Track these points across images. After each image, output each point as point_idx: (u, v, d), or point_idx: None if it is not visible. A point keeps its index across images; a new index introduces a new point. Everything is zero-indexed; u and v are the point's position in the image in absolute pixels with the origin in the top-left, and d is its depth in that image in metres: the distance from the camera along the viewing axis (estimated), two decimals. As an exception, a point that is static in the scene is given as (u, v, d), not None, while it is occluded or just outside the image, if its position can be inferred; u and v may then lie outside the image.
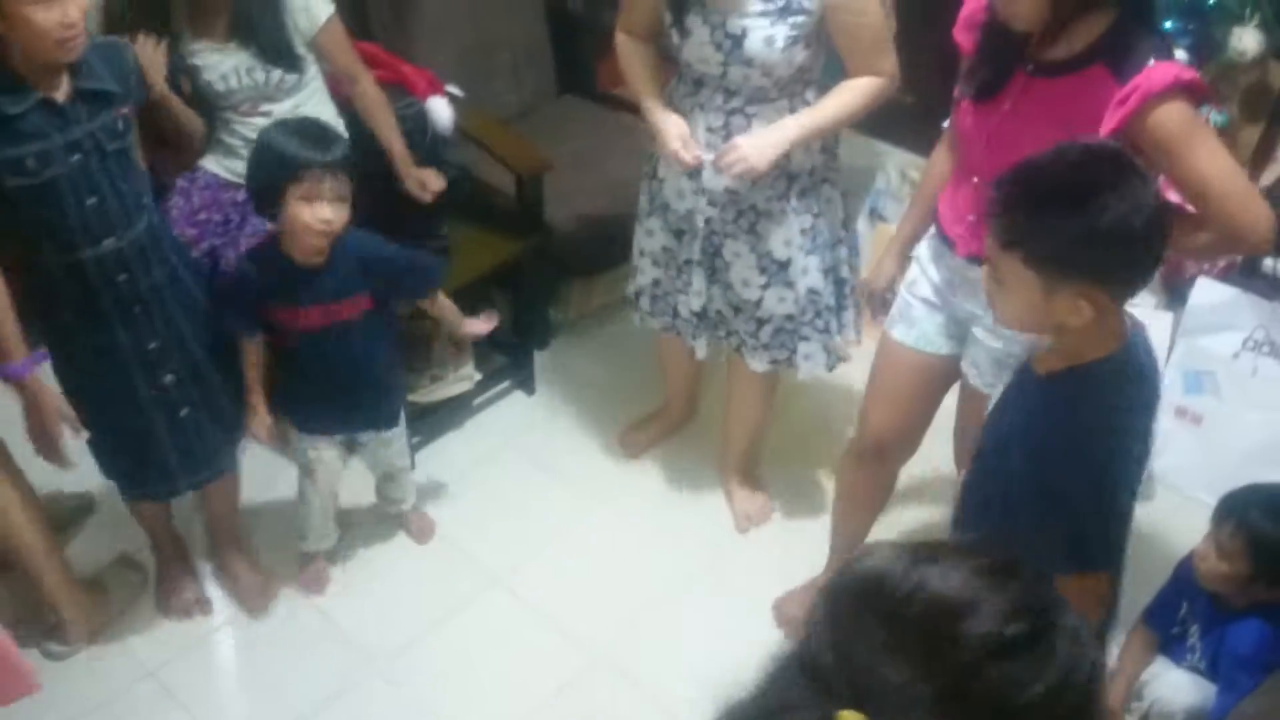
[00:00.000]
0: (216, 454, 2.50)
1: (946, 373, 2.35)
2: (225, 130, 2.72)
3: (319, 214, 2.26)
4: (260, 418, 2.48)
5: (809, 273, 2.58)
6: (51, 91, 2.05)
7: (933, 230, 2.28)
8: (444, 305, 2.59)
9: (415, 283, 2.53)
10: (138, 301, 2.24)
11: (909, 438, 2.46)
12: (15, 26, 1.97)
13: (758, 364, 2.71)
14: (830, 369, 2.72)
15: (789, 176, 2.49)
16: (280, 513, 2.85)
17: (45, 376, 2.25)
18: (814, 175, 2.52)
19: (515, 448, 3.13)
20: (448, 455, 3.08)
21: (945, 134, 2.28)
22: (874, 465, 2.50)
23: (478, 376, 3.19)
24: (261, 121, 2.65)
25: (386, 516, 2.90)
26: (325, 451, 2.62)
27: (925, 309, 2.31)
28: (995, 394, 2.19)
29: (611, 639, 2.67)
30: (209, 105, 2.68)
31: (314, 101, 2.74)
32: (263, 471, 2.92)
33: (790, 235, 2.54)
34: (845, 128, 2.50)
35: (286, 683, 2.58)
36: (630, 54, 2.53)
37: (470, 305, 2.90)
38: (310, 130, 2.32)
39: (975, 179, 2.10)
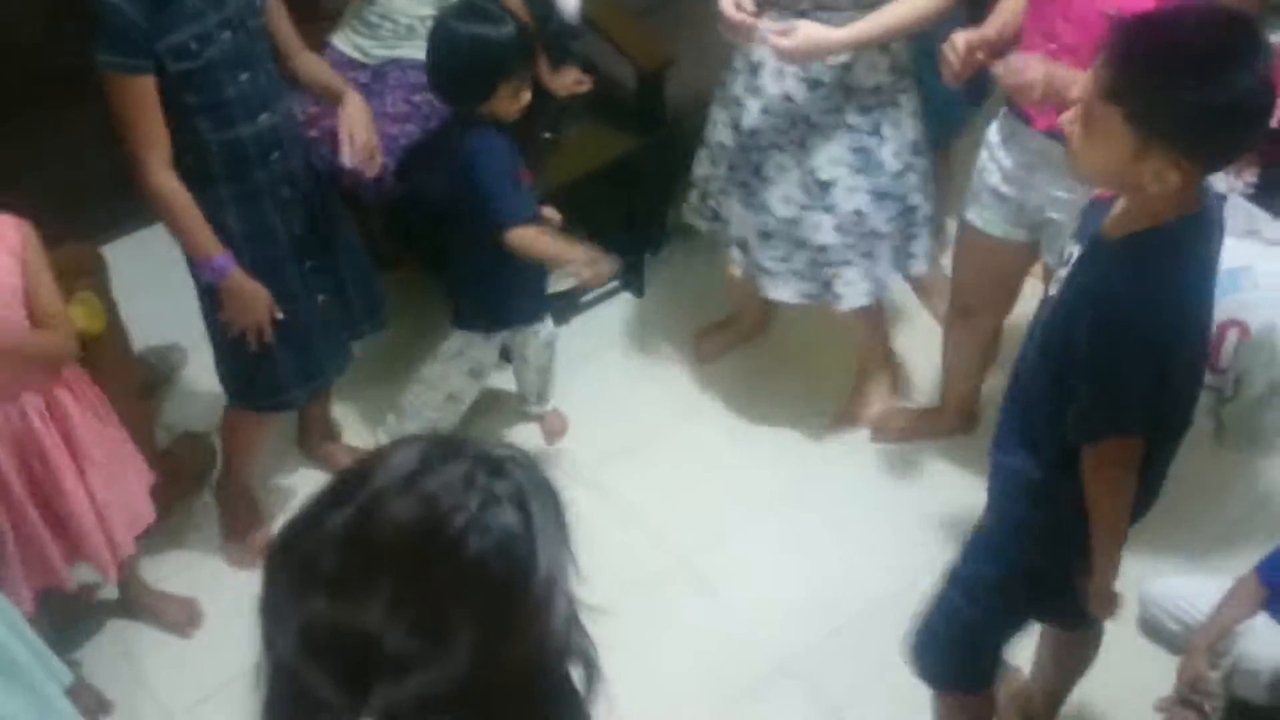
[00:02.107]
0: (343, 346, 2.51)
1: (1022, 256, 2.38)
2: (366, 5, 2.69)
3: (522, 101, 2.36)
4: (589, 257, 2.44)
5: (855, 193, 2.46)
6: None
7: (1003, 109, 2.24)
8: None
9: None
10: (287, 182, 2.25)
11: (994, 305, 2.55)
12: None
13: (783, 293, 2.61)
14: (871, 299, 2.61)
15: (846, 89, 2.38)
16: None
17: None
18: (879, 93, 2.39)
19: (619, 348, 3.11)
20: (551, 350, 3.09)
21: None
22: (965, 323, 2.61)
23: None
24: (404, 3, 2.65)
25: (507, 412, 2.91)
26: (492, 353, 2.66)
27: (993, 197, 2.30)
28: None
29: (696, 545, 2.67)
30: None
31: None
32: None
33: (838, 153, 2.43)
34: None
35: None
36: None
37: (582, 202, 2.88)
38: (497, 15, 2.34)
39: (1053, 45, 2.04)
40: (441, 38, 2.35)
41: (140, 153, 2.07)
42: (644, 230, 3.27)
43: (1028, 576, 1.86)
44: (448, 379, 2.68)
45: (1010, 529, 1.86)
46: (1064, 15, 2.05)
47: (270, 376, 2.37)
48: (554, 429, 2.89)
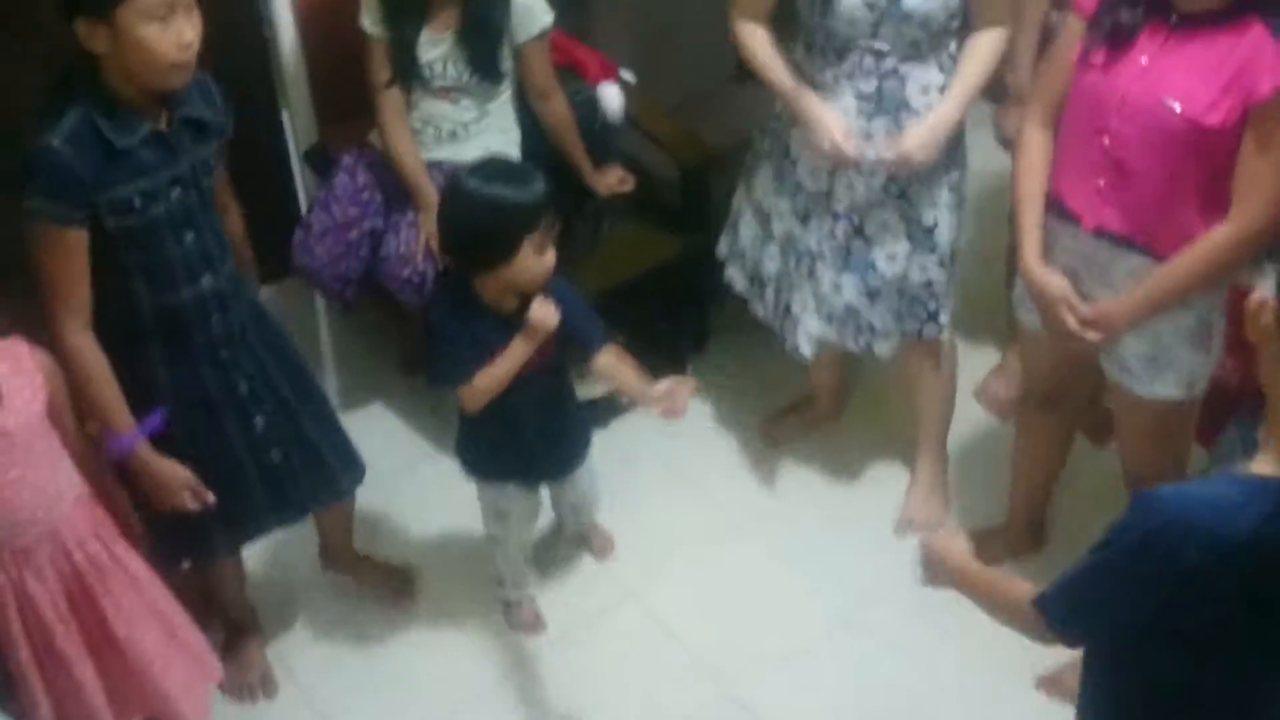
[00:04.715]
0: (312, 493, 2.35)
1: (1085, 349, 2.22)
2: (409, 109, 2.62)
3: (547, 261, 2.12)
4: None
5: (953, 228, 2.46)
6: (156, 122, 1.91)
7: (1050, 214, 2.14)
8: (609, 363, 2.27)
9: (587, 332, 2.27)
10: (226, 344, 2.11)
11: (1070, 393, 2.43)
12: (127, 48, 1.80)
13: (890, 344, 2.55)
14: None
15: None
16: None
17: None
18: (958, 128, 2.38)
19: (659, 456, 2.98)
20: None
21: (1031, 110, 2.15)
22: (1046, 418, 2.48)
23: (628, 376, 3.07)
24: (448, 109, 2.59)
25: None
26: (516, 498, 2.45)
27: None
28: (1149, 393, 2.12)
29: (742, 674, 2.53)
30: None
31: (500, 106, 2.64)
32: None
33: (938, 195, 2.41)
34: None
35: (430, 678, 2.54)
36: (757, 41, 2.41)
37: (625, 305, 2.78)
38: (521, 174, 2.13)
39: (1106, 140, 1.99)
40: (456, 199, 2.12)
41: (57, 310, 1.90)
42: (685, 331, 3.17)
43: None
44: (485, 518, 2.50)
45: None
46: (1119, 109, 1.97)
47: (194, 532, 2.20)
48: (602, 546, 2.77)
